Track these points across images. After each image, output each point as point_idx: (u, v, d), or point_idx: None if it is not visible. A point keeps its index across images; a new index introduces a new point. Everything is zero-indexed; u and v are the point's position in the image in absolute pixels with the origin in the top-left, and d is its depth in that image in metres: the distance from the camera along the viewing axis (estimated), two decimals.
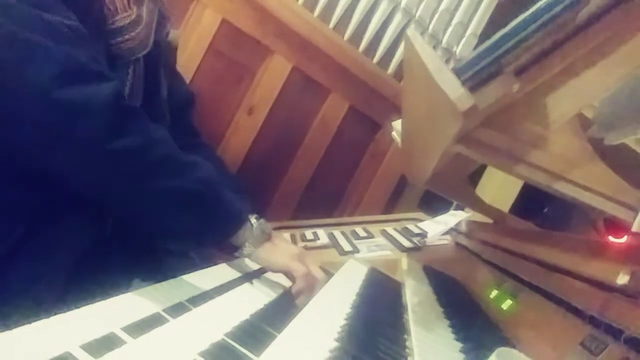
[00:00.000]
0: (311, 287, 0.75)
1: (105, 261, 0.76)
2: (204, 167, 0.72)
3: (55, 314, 0.43)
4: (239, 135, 1.56)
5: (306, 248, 1.13)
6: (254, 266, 0.84)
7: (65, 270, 0.70)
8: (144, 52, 0.81)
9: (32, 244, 0.68)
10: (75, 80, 0.62)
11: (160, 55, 0.90)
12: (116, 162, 0.64)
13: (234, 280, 0.74)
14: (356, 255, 1.10)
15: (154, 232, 0.77)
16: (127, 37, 0.76)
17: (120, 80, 0.78)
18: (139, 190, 0.67)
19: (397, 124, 1.03)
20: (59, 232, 0.70)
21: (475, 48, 1.58)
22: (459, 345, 0.57)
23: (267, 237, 0.75)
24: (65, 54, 0.62)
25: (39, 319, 0.41)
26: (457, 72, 0.49)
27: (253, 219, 0.74)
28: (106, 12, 0.74)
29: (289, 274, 0.77)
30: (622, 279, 0.44)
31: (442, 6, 1.67)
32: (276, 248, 0.76)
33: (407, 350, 0.55)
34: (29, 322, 0.40)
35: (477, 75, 0.49)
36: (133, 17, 0.77)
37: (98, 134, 0.63)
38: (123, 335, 0.42)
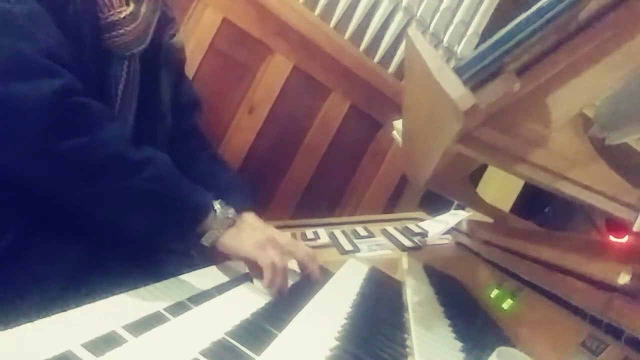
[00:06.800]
0: (280, 278, 0.69)
1: (105, 259, 0.76)
2: (159, 163, 0.69)
3: (56, 312, 0.43)
4: (240, 134, 1.56)
5: None
6: None
7: (66, 270, 0.70)
8: (140, 49, 0.80)
9: (33, 244, 0.68)
10: (19, 75, 0.61)
11: (161, 56, 0.89)
12: (61, 162, 0.63)
13: (235, 279, 0.74)
14: (357, 254, 1.10)
15: (112, 231, 0.72)
16: (121, 31, 0.76)
17: (114, 75, 0.77)
18: (89, 191, 0.65)
19: (398, 124, 1.03)
20: (59, 231, 0.70)
21: (476, 47, 1.57)
22: (459, 344, 0.57)
23: (232, 223, 0.72)
24: (13, 48, 0.61)
25: (40, 318, 0.41)
26: (458, 71, 0.49)
27: (217, 205, 0.72)
28: (100, 5, 0.74)
29: (253, 263, 0.72)
30: (623, 279, 0.44)
31: (444, 5, 1.67)
32: (240, 234, 0.72)
33: (407, 349, 0.55)
34: (30, 321, 0.40)
35: (478, 75, 0.49)
36: (128, 12, 0.76)
37: (39, 132, 0.61)
38: (124, 334, 0.42)
